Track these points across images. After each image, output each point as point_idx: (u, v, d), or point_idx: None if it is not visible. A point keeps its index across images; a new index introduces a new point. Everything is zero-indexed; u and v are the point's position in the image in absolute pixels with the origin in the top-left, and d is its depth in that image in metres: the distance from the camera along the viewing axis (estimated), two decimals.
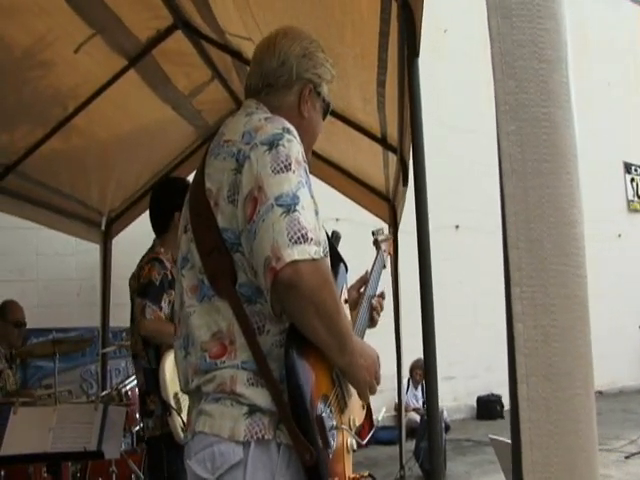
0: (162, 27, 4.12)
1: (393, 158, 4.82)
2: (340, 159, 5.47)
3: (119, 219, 6.03)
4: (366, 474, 1.88)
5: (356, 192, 5.89)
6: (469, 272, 10.13)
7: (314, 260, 1.52)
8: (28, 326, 5.64)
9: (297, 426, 1.55)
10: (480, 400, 10.33)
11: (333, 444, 1.66)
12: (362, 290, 2.32)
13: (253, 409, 1.60)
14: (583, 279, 0.90)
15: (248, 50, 4.29)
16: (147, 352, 3.49)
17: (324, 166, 5.38)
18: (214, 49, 4.45)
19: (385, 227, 5.97)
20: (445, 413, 8.30)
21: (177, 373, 1.82)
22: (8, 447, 3.26)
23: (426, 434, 6.04)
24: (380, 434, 7.89)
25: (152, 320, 3.36)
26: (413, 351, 7.75)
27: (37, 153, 4.45)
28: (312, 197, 1.64)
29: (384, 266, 2.62)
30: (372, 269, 2.45)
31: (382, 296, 2.36)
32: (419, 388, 9.24)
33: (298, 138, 1.70)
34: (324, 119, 2.05)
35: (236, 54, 4.40)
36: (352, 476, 1.80)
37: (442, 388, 3.03)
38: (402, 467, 6.65)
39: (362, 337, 2.12)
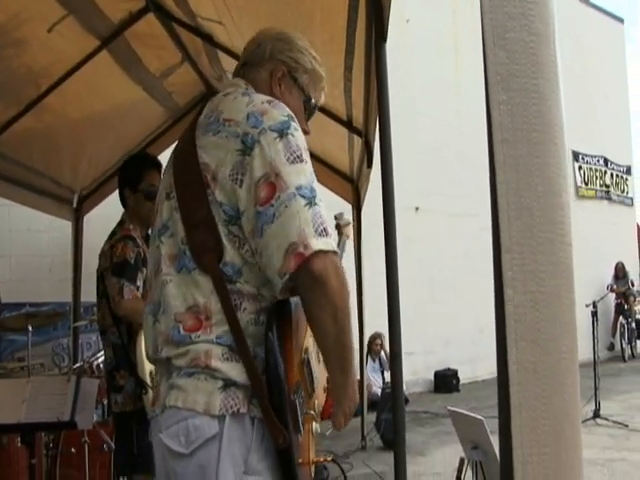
0: (134, 9, 4.03)
1: (358, 141, 4.80)
2: (308, 142, 5.43)
3: (90, 197, 5.92)
4: (329, 458, 1.88)
5: (322, 174, 5.84)
6: (427, 252, 10.21)
7: (334, 253, 1.53)
8: (1, 301, 5.55)
9: (273, 409, 1.53)
10: (437, 374, 10.46)
11: (302, 429, 1.66)
12: None
13: (228, 383, 1.55)
14: (568, 247, 0.89)
15: (219, 33, 4.22)
16: (118, 327, 3.39)
17: None
18: (185, 32, 4.37)
19: (348, 209, 5.98)
20: (404, 386, 8.36)
21: (145, 339, 1.76)
22: None
23: (387, 406, 6.11)
24: None
25: (129, 300, 3.27)
26: (370, 330, 7.82)
27: (10, 131, 4.33)
28: None
29: (344, 250, 2.65)
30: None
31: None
32: (377, 360, 9.29)
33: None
34: (309, 118, 1.97)
35: (207, 37, 4.33)
36: (315, 459, 1.81)
37: None
38: (364, 438, 6.71)
39: None
